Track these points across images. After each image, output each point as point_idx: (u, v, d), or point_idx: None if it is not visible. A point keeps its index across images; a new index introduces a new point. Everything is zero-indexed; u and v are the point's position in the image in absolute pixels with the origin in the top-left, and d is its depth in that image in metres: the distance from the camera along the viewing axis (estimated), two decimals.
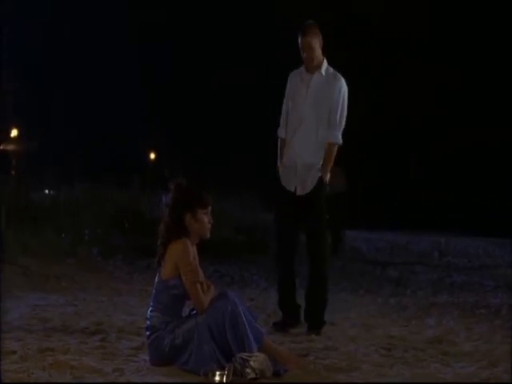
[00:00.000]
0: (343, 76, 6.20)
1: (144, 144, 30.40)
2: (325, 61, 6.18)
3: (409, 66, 25.54)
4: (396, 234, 18.54)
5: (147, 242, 9.67)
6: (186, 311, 4.59)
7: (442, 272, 11.81)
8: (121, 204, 12.96)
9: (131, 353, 4.85)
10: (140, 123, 30.04)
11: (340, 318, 6.78)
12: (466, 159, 26.07)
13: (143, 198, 13.34)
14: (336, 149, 6.15)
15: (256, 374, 4.22)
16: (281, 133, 6.28)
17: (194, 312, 4.50)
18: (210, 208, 4.65)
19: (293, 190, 6.11)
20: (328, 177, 6.14)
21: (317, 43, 6.11)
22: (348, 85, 6.21)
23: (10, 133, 26.83)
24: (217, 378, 4.07)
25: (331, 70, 6.20)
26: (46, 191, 14.11)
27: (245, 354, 4.26)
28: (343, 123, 6.17)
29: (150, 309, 4.55)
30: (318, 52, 6.14)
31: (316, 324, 6.04)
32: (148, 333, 4.52)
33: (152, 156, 32.56)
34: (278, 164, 6.24)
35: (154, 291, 4.58)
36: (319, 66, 6.16)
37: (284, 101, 6.31)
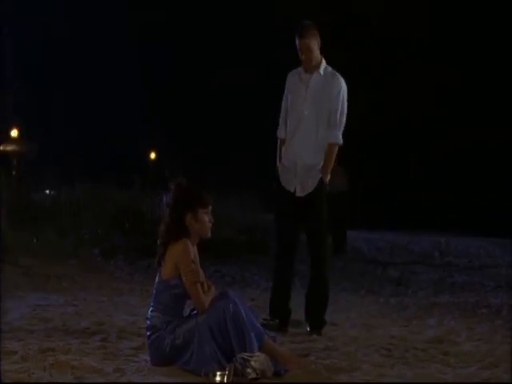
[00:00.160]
0: (343, 76, 6.18)
1: (144, 144, 30.38)
2: (323, 60, 6.16)
3: (409, 66, 25.51)
4: (396, 234, 18.51)
5: (148, 242, 9.70)
6: (186, 311, 4.59)
7: (442, 272, 11.81)
8: (121, 204, 12.96)
9: (132, 353, 4.85)
10: (140, 123, 30.02)
11: (341, 318, 6.79)
12: (466, 159, 26.03)
13: (144, 198, 13.33)
14: (337, 149, 6.12)
15: (257, 374, 4.22)
16: (280, 133, 6.25)
17: (195, 312, 4.49)
18: (210, 207, 4.65)
19: (292, 190, 6.09)
20: (328, 178, 6.11)
21: (315, 44, 6.09)
22: (348, 85, 6.19)
23: (10, 133, 26.85)
24: (217, 378, 4.07)
25: (329, 69, 6.18)
26: (47, 191, 14.11)
27: (245, 354, 4.26)
28: (343, 123, 6.14)
29: (151, 309, 4.54)
30: (317, 53, 6.12)
31: (317, 324, 6.04)
32: (149, 333, 4.52)
33: (152, 156, 32.55)
34: (277, 164, 6.21)
35: (154, 291, 4.57)
36: (318, 66, 6.14)
37: (283, 101, 6.29)
